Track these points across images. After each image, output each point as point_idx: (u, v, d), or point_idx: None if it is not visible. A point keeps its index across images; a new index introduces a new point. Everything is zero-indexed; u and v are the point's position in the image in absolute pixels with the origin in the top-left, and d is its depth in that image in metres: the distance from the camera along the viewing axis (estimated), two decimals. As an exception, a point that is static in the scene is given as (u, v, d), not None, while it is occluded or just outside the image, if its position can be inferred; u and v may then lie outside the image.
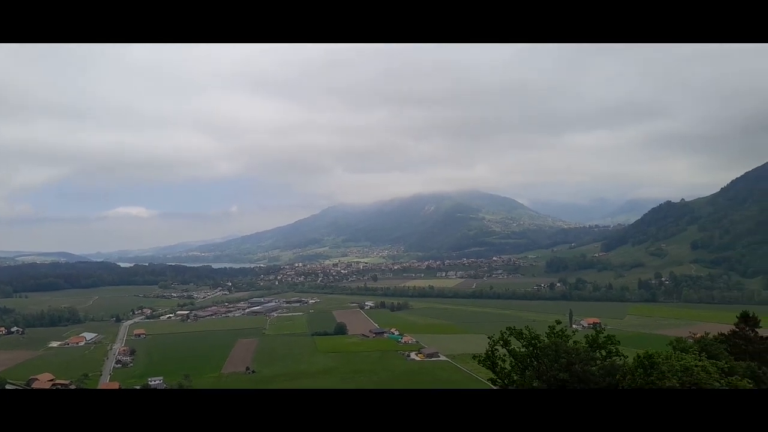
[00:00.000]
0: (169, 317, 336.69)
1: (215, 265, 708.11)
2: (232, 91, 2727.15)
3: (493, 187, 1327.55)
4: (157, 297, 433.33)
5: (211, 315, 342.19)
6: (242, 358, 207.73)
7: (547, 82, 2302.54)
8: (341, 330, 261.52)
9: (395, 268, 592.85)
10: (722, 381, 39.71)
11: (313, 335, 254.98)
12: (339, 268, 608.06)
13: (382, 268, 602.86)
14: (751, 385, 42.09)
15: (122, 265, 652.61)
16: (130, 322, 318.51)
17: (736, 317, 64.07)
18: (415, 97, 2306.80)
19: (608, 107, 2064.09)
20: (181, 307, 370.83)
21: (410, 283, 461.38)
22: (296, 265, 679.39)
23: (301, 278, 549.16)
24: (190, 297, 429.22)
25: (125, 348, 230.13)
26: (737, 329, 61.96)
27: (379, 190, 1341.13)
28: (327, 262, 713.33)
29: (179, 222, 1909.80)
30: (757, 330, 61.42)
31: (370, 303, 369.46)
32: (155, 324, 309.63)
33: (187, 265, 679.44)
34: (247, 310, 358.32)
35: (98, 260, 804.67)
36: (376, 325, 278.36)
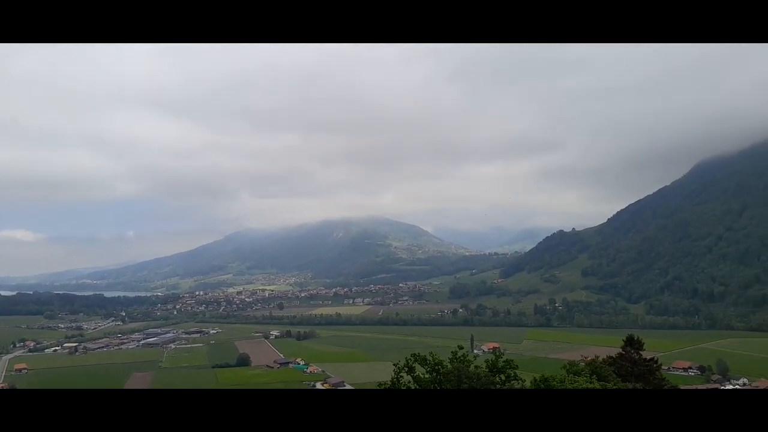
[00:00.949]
0: (55, 350, 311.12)
1: (108, 294, 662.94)
2: (131, 107, 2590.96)
3: (399, 214, 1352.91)
4: (42, 328, 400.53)
5: (103, 347, 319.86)
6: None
7: (451, 115, 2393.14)
8: (244, 361, 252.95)
9: (302, 295, 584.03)
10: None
11: (213, 367, 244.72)
12: (243, 296, 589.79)
13: (289, 295, 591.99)
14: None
15: (2, 293, 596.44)
16: (10, 356, 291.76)
17: (623, 341, 68.68)
18: (324, 122, 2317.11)
19: (505, 140, 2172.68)
20: (69, 339, 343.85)
21: (317, 311, 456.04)
22: (197, 293, 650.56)
23: (202, 307, 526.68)
24: (79, 328, 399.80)
25: (3, 384, 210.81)
26: (624, 352, 66.30)
27: (286, 216, 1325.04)
28: (230, 289, 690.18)
29: (69, 247, 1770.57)
30: (641, 352, 66.06)
31: (275, 332, 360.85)
32: (39, 358, 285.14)
33: (77, 293, 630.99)
34: (142, 342, 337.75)
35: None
36: (281, 355, 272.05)
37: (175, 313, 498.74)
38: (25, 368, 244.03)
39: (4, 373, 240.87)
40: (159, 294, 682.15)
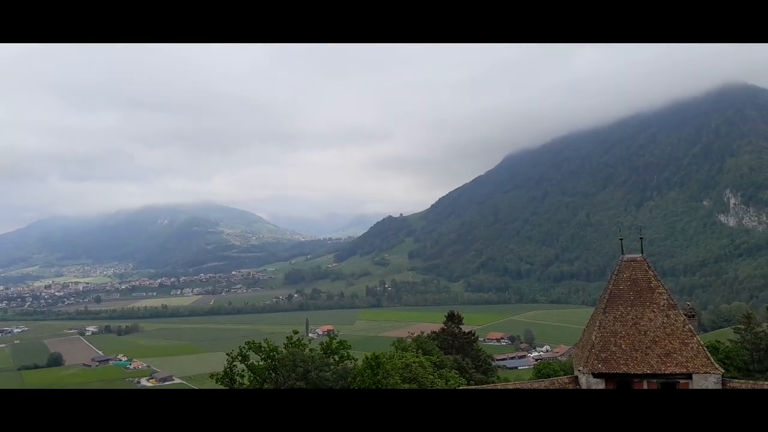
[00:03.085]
0: None
1: None
2: None
3: (231, 200, 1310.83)
4: None
5: None
6: None
7: (286, 100, 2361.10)
8: (56, 361, 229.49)
9: (123, 287, 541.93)
10: (435, 374, 46.04)
11: (20, 369, 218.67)
12: (53, 290, 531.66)
13: (108, 288, 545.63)
14: (458, 375, 49.54)
15: None
16: None
17: (444, 317, 74.81)
18: (147, 101, 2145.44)
19: (340, 129, 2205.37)
20: None
21: (140, 303, 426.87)
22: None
23: (3, 304, 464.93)
24: None
25: None
26: (445, 327, 72.32)
27: (103, 202, 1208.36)
28: (37, 283, 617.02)
29: None
30: (461, 327, 72.55)
31: (92, 328, 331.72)
32: None
33: None
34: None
35: None
36: (100, 352, 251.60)
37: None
38: None
39: None
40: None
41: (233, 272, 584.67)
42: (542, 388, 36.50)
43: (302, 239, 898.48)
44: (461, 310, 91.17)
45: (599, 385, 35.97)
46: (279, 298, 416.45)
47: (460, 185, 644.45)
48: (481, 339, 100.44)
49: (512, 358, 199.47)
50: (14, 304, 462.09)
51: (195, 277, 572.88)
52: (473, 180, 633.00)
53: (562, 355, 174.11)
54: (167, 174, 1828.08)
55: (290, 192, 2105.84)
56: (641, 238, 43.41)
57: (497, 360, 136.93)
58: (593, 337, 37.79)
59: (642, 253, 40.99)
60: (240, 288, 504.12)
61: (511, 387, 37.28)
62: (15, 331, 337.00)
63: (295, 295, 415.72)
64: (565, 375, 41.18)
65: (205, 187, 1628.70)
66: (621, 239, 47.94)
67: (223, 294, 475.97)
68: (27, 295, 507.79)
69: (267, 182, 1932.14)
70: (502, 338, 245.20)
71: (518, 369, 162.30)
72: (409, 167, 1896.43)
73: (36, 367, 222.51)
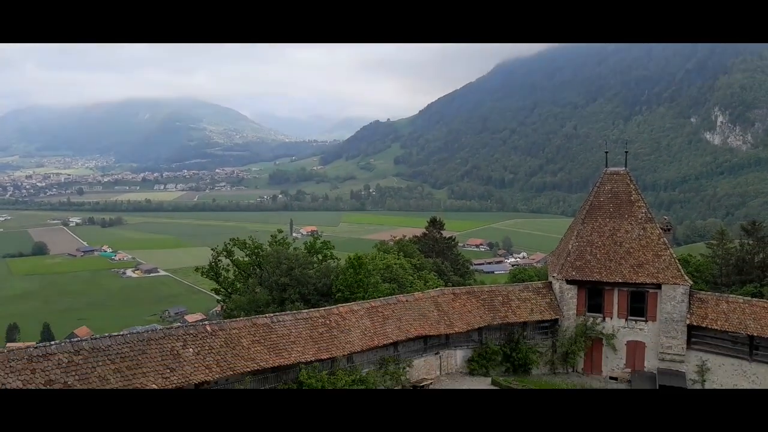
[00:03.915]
0: None
1: None
2: None
3: (214, 96, 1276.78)
4: None
5: None
6: None
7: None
8: (41, 250, 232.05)
9: (105, 180, 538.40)
10: (414, 275, 47.49)
11: (5, 257, 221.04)
12: (34, 181, 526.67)
13: (90, 180, 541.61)
14: (436, 277, 51.20)
15: None
16: None
17: (427, 222, 76.03)
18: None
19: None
20: None
21: (124, 197, 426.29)
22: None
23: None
24: None
25: None
26: (427, 232, 73.69)
27: (82, 92, 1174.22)
28: (17, 173, 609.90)
29: None
30: (442, 232, 73.98)
31: (75, 219, 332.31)
32: None
33: None
34: None
35: None
36: (84, 243, 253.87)
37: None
38: None
39: None
40: None
41: (217, 170, 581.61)
42: (518, 290, 37.99)
43: (287, 140, 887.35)
44: (443, 216, 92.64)
45: (572, 291, 37.54)
46: (263, 197, 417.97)
47: (450, 91, 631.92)
48: (461, 245, 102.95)
49: (489, 263, 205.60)
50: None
51: (178, 173, 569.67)
52: (464, 86, 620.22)
53: (538, 262, 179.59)
54: (148, 65, 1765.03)
55: (275, 90, 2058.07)
56: (626, 152, 43.84)
57: (475, 264, 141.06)
58: (570, 246, 38.95)
59: (626, 166, 41.47)
60: (224, 186, 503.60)
61: (487, 289, 38.76)
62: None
63: (280, 196, 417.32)
64: (539, 281, 42.74)
65: (187, 81, 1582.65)
66: (606, 152, 48.28)
67: (206, 191, 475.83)
68: (8, 184, 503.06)
69: (251, 79, 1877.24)
70: (481, 244, 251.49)
71: (494, 273, 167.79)
72: (399, 70, 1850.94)
73: (21, 255, 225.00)
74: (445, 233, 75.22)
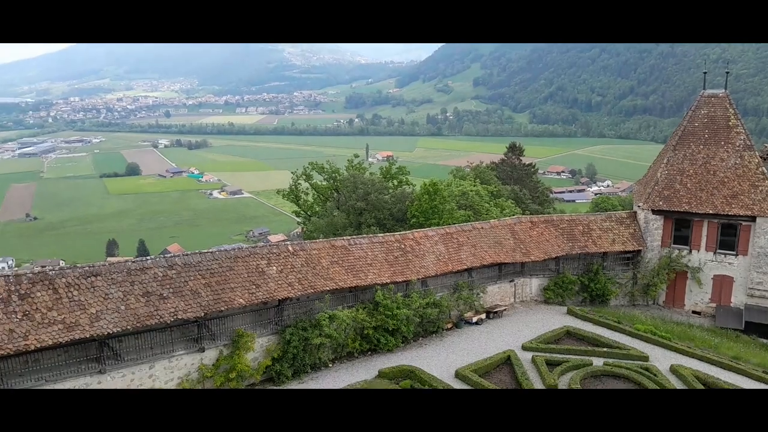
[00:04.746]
0: None
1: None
2: None
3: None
4: None
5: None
6: (20, 204, 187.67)
7: None
8: (134, 171, 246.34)
9: (190, 103, 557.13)
10: (491, 202, 46.94)
11: (101, 177, 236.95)
12: (125, 104, 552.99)
13: (175, 103, 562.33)
14: (514, 205, 50.35)
15: None
16: None
17: (506, 148, 74.13)
18: None
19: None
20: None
21: (208, 120, 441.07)
22: (72, 99, 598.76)
23: (80, 115, 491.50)
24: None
25: None
26: (505, 158, 72.00)
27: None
28: (109, 96, 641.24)
29: None
30: (521, 158, 72.05)
31: (164, 141, 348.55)
32: None
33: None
34: (17, 152, 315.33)
35: None
36: (173, 164, 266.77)
37: (50, 120, 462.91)
38: None
39: None
40: (29, 100, 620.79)
41: (295, 93, 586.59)
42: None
43: (363, 62, 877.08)
44: (524, 142, 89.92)
45: (657, 221, 35.97)
46: (340, 122, 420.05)
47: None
48: (540, 172, 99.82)
49: (571, 191, 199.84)
50: (90, 116, 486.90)
51: (258, 96, 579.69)
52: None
53: (624, 191, 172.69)
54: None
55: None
56: (727, 73, 40.15)
57: (555, 192, 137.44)
58: (658, 174, 36.96)
59: (725, 88, 38.16)
60: (302, 109, 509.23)
61: (567, 218, 37.70)
62: (94, 141, 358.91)
63: (356, 120, 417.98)
64: (623, 210, 41.16)
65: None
66: (705, 72, 44.57)
67: (285, 114, 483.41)
68: (101, 107, 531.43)
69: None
70: (562, 171, 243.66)
71: (575, 202, 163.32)
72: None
73: (116, 175, 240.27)
74: (525, 160, 73.19)
